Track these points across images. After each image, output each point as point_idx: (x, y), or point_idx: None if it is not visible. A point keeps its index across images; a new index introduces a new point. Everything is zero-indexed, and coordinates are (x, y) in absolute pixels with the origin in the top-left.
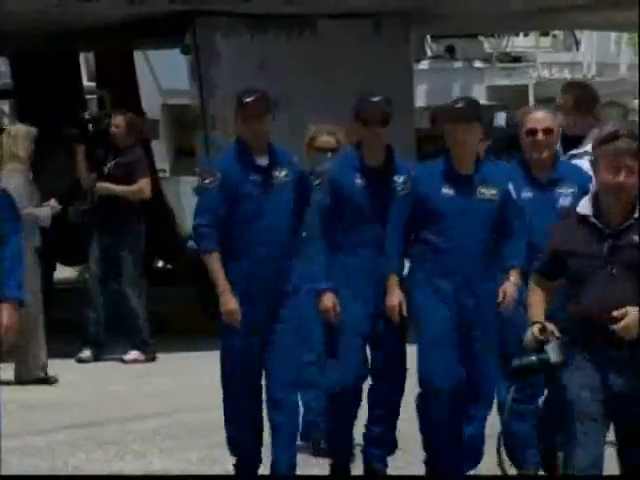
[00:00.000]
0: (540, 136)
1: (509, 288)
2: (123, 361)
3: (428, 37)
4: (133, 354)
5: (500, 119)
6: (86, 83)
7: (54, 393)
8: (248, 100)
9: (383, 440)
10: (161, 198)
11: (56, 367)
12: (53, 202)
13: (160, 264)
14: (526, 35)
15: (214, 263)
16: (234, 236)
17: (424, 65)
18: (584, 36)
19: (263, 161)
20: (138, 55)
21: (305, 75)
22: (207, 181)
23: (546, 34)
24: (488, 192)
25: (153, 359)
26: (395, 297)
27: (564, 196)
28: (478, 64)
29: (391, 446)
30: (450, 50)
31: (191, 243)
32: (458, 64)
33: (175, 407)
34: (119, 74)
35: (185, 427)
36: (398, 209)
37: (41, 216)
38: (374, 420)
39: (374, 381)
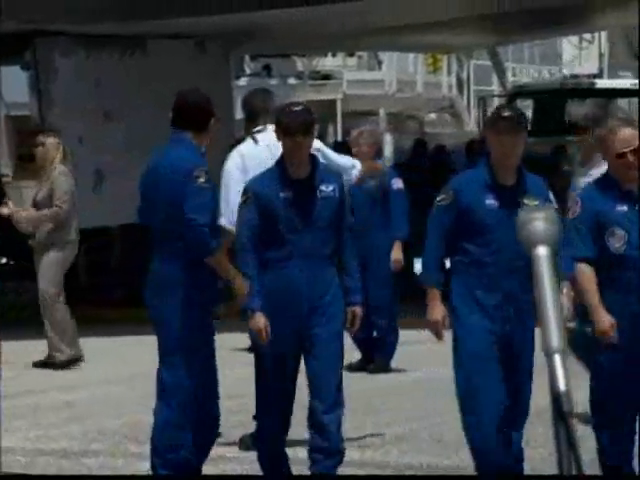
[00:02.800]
0: None
1: (563, 303)
2: None
3: (247, 56)
4: None
5: None
6: None
7: None
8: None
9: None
10: (4, 200)
11: None
12: None
13: (4, 260)
14: (334, 55)
15: (225, 259)
16: None
17: (243, 82)
18: (386, 56)
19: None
20: None
21: (136, 91)
22: (202, 179)
23: (352, 55)
24: (532, 203)
25: None
26: (437, 311)
27: None
28: (292, 81)
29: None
30: (266, 68)
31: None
32: (274, 81)
33: (17, 390)
34: None
35: (29, 408)
36: (436, 220)
37: None
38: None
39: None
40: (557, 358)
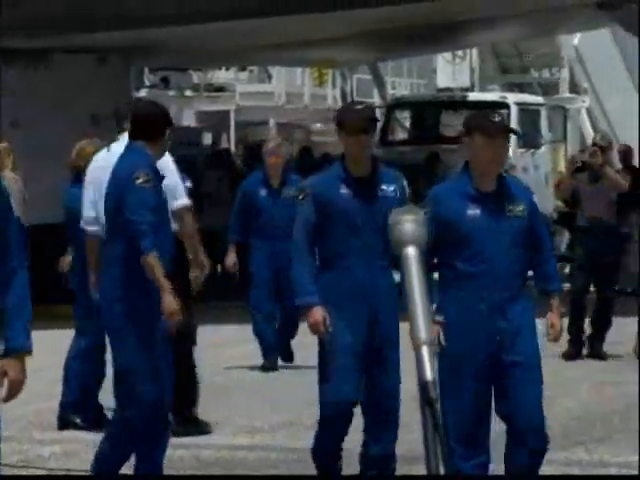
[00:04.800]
0: None
1: (555, 320)
2: None
3: (146, 70)
4: None
5: (207, 138)
6: None
7: None
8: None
9: (382, 460)
10: None
11: None
12: None
13: None
14: (227, 69)
15: (159, 266)
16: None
17: (143, 93)
18: (275, 70)
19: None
20: None
21: (43, 101)
22: (140, 180)
23: (244, 69)
24: (516, 209)
25: None
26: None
27: None
28: (188, 93)
29: (390, 464)
30: (164, 81)
31: None
32: (172, 92)
33: None
34: None
35: None
36: None
37: None
38: (372, 441)
39: (370, 400)
40: (424, 349)
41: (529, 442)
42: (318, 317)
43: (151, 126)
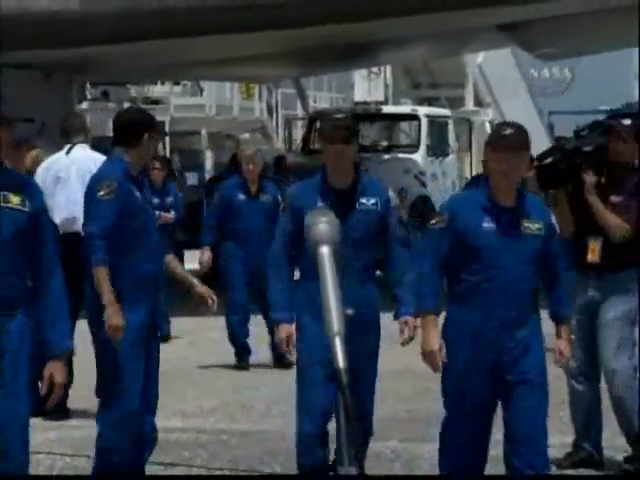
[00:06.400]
0: None
1: (564, 347)
2: None
3: (88, 83)
4: None
5: None
6: None
7: None
8: None
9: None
10: None
11: None
12: None
13: None
14: (162, 84)
15: (106, 279)
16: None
17: (85, 105)
18: (206, 85)
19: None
20: None
21: None
22: (102, 192)
23: (178, 83)
24: (533, 226)
25: None
26: (433, 341)
27: None
28: (127, 105)
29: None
30: (105, 94)
31: None
32: (112, 105)
33: None
34: None
35: None
36: (431, 243)
37: None
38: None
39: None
40: (337, 340)
41: (531, 463)
42: (282, 335)
43: (128, 132)
